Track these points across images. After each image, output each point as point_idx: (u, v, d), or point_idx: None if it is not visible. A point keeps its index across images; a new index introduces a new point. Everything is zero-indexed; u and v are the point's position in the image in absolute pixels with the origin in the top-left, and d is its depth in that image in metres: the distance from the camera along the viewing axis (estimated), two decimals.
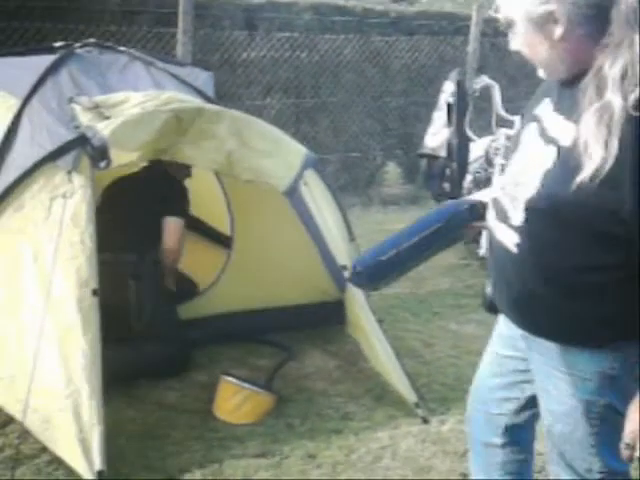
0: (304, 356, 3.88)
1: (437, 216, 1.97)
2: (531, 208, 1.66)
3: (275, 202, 3.56)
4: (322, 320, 3.98)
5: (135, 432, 3.09)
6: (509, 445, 2.06)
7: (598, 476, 1.80)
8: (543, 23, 1.60)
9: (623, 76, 1.53)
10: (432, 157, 5.78)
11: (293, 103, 7.29)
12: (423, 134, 6.08)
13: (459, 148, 5.55)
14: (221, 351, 3.85)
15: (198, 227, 4.41)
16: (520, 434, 2.07)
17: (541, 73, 1.73)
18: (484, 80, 5.74)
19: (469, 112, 5.71)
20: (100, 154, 2.94)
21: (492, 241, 1.83)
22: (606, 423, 1.76)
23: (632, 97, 1.51)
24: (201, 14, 6.46)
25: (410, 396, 3.30)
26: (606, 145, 1.52)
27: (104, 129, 2.97)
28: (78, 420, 2.67)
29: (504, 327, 1.99)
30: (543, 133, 1.69)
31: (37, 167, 2.97)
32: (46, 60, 3.61)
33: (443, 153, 5.61)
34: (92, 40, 4.03)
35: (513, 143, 1.86)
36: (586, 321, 1.69)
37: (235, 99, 6.82)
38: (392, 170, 7.80)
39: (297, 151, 3.46)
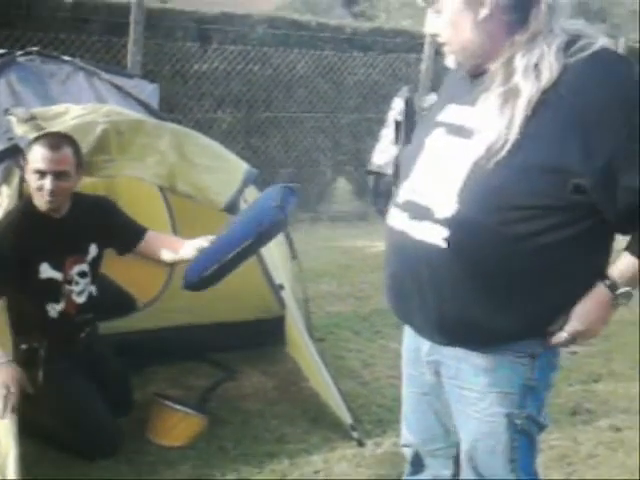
0: (242, 376, 3.82)
1: (246, 233, 2.28)
2: (466, 194, 1.63)
3: (217, 218, 3.50)
4: (264, 337, 3.92)
5: (60, 456, 2.97)
6: (458, 475, 1.99)
7: None
8: (471, 2, 1.66)
9: (535, 66, 1.59)
10: (379, 174, 5.79)
11: (244, 117, 7.25)
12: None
13: None
14: (157, 370, 3.76)
15: None
16: None
17: (450, 62, 1.77)
18: (434, 98, 5.73)
19: None
20: None
21: (400, 248, 1.76)
22: (525, 435, 1.79)
23: (544, 82, 1.57)
24: (153, 24, 6.41)
25: (346, 418, 3.26)
26: (508, 126, 1.58)
27: None
28: None
29: (416, 354, 1.92)
30: (458, 131, 1.71)
31: None
32: None
33: (390, 171, 5.61)
34: (35, 48, 3.95)
35: (413, 149, 1.84)
36: (525, 307, 1.68)
37: (186, 111, 6.77)
38: (342, 186, 7.81)
39: (238, 167, 3.40)
